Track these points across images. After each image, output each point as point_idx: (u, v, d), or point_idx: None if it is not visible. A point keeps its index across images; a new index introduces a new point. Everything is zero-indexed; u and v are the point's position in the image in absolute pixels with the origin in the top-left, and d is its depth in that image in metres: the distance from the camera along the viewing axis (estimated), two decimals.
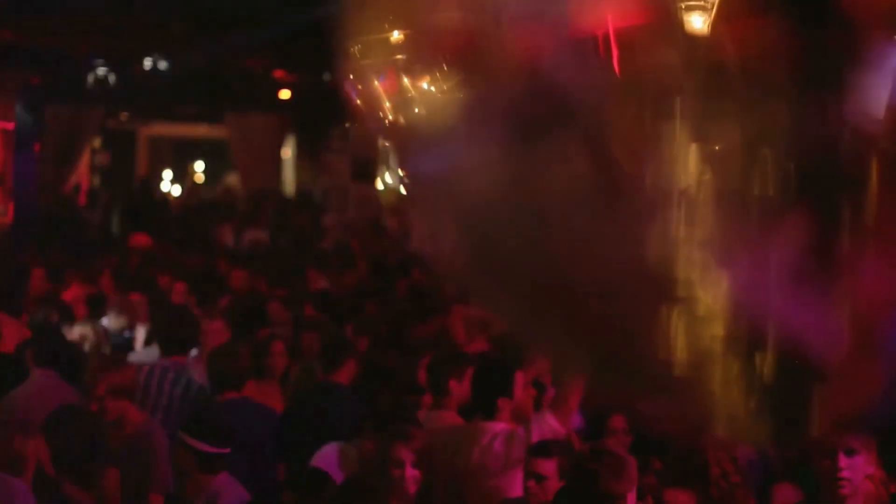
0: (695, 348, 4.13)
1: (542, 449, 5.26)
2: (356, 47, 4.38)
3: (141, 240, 13.17)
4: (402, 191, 4.90)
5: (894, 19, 4.10)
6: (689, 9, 3.80)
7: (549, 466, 5.18)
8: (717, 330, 4.14)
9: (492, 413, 5.96)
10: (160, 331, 7.74)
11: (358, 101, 4.53)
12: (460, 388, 6.50)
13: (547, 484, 5.15)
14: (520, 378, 5.97)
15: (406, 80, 4.33)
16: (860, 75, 4.02)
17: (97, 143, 22.79)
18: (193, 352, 8.03)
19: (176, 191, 23.27)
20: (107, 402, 6.05)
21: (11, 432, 5.48)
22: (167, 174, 23.73)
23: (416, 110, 4.39)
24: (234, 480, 5.59)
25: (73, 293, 10.53)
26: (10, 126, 18.82)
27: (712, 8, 3.78)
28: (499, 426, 5.86)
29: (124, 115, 23.32)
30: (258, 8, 14.36)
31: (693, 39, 3.83)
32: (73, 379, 6.91)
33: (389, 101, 4.41)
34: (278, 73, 19.76)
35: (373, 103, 4.48)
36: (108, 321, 9.82)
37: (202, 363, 7.78)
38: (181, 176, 26.15)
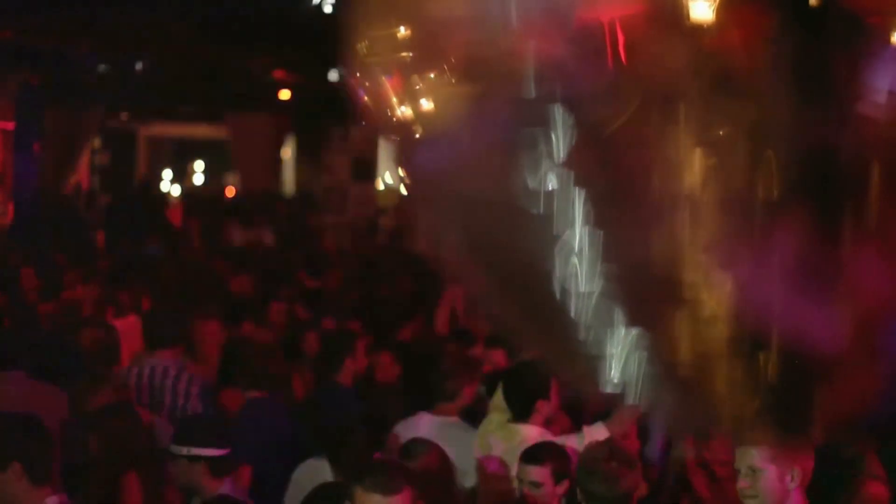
0: (699, 349, 4.13)
1: (535, 456, 5.23)
2: (363, 44, 4.36)
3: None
4: (403, 190, 4.89)
5: None
6: None
7: (543, 473, 5.17)
8: (721, 331, 4.13)
9: (527, 415, 5.94)
10: (147, 325, 7.65)
11: (365, 99, 4.51)
12: (470, 393, 6.47)
13: (543, 490, 5.15)
14: (555, 381, 5.90)
15: (414, 77, 4.32)
16: (863, 75, 4.02)
17: (97, 143, 22.79)
18: None
19: (176, 191, 23.27)
20: None
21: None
22: (167, 174, 23.73)
23: (424, 107, 4.38)
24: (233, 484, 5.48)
25: (79, 293, 10.50)
26: (10, 126, 18.83)
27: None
28: (536, 431, 5.82)
29: (124, 115, 23.33)
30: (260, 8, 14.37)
31: (697, 34, 3.82)
32: (47, 376, 6.84)
33: (397, 97, 4.40)
34: (278, 73, 19.78)
35: (380, 101, 4.47)
36: None
37: (196, 364, 7.79)
38: (181, 176, 26.16)
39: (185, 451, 5.28)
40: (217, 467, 5.29)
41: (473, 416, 6.48)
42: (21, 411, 6.20)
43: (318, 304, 10.52)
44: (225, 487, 5.28)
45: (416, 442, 5.53)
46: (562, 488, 5.18)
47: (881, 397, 4.13)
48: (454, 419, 6.33)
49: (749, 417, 4.25)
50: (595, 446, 4.81)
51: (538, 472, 5.15)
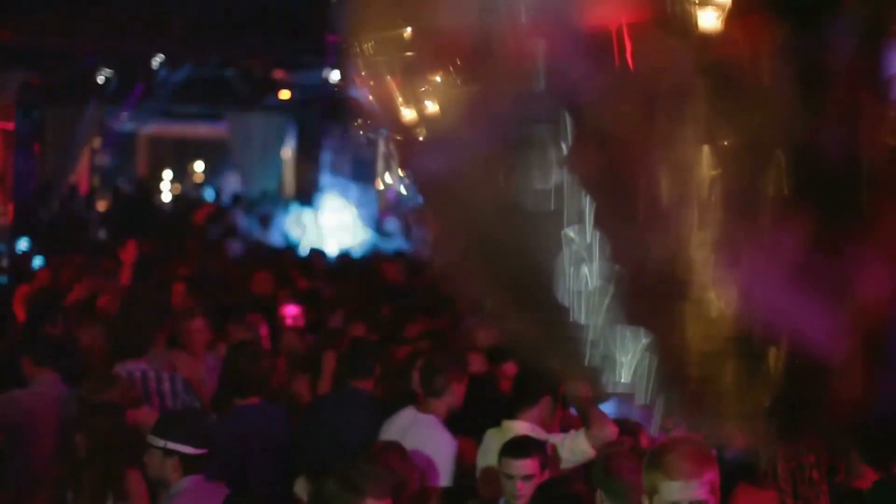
0: (705, 349, 4.13)
1: (522, 450, 5.29)
2: (368, 44, 4.36)
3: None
4: (403, 191, 4.90)
5: None
6: (703, 4, 3.77)
7: (533, 465, 5.22)
8: (726, 331, 4.13)
9: (532, 404, 5.98)
10: (118, 333, 7.54)
11: (371, 98, 4.51)
12: (459, 392, 6.48)
13: (533, 481, 5.22)
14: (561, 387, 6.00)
15: (418, 77, 4.32)
16: (870, 74, 4.02)
17: (97, 143, 22.78)
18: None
19: (176, 191, 23.28)
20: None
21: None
22: (167, 174, 23.74)
23: (428, 107, 4.38)
24: (204, 480, 5.48)
25: (78, 293, 10.48)
26: (10, 126, 18.81)
27: (725, 7, 3.77)
28: (527, 427, 5.87)
29: (124, 115, 23.30)
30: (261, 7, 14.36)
31: (704, 37, 3.82)
32: (73, 382, 6.84)
33: (401, 97, 4.39)
34: (278, 73, 19.77)
35: (383, 101, 4.47)
36: None
37: (187, 361, 7.76)
38: (181, 176, 26.16)
39: (161, 443, 5.34)
40: (189, 465, 5.34)
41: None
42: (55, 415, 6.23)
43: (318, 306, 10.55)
44: (186, 483, 5.32)
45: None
46: (544, 476, 5.28)
47: (882, 398, 4.13)
48: (431, 417, 6.33)
49: (754, 416, 4.25)
50: (610, 445, 4.83)
51: (530, 465, 5.23)
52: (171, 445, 5.32)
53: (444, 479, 6.14)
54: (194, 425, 5.54)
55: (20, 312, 9.47)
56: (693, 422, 4.46)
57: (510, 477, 5.26)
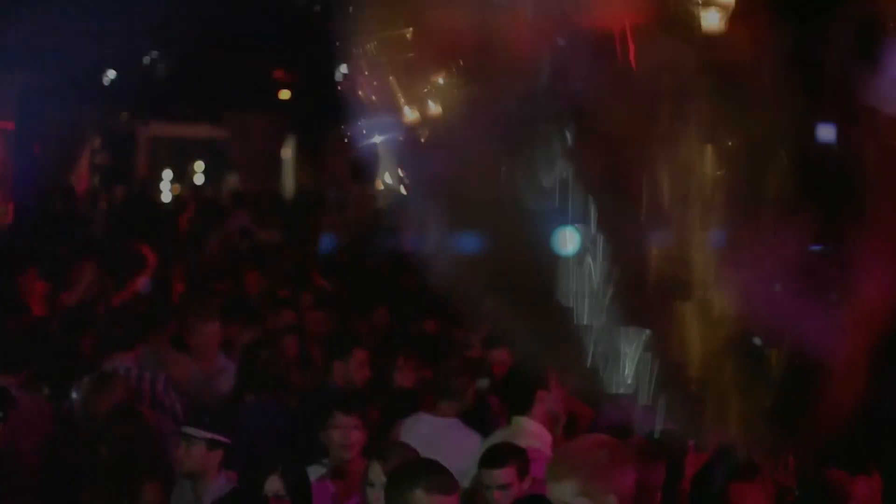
0: (706, 349, 4.14)
1: (497, 460, 5.27)
2: (371, 44, 4.37)
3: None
4: (402, 191, 4.91)
5: None
6: (707, 5, 3.77)
7: (509, 473, 5.22)
8: (727, 332, 4.14)
9: (528, 407, 5.95)
10: (107, 327, 7.52)
11: (373, 98, 4.52)
12: (473, 394, 6.46)
13: (511, 490, 5.19)
14: (553, 374, 5.96)
15: (421, 78, 4.33)
16: (872, 75, 4.03)
17: (97, 143, 22.78)
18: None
19: (176, 191, 23.28)
20: None
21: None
22: (167, 174, 23.73)
23: (430, 107, 4.39)
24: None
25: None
26: (10, 126, 18.81)
27: (728, 8, 3.77)
28: (535, 426, 5.85)
29: (124, 115, 23.32)
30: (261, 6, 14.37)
31: (707, 38, 3.83)
32: (55, 384, 6.82)
33: (404, 97, 4.40)
34: (278, 73, 19.77)
35: (386, 100, 4.48)
36: None
37: (187, 362, 7.78)
38: (181, 176, 26.16)
39: (208, 435, 5.26)
40: (227, 457, 5.32)
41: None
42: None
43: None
44: (223, 478, 5.31)
45: (392, 445, 5.52)
46: (526, 484, 5.22)
47: (881, 399, 4.14)
48: (455, 420, 6.32)
49: (755, 417, 4.26)
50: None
51: (505, 474, 5.21)
52: (219, 437, 5.27)
53: None
54: (227, 418, 5.53)
55: (37, 308, 9.45)
56: (694, 421, 4.48)
57: (487, 487, 5.27)
